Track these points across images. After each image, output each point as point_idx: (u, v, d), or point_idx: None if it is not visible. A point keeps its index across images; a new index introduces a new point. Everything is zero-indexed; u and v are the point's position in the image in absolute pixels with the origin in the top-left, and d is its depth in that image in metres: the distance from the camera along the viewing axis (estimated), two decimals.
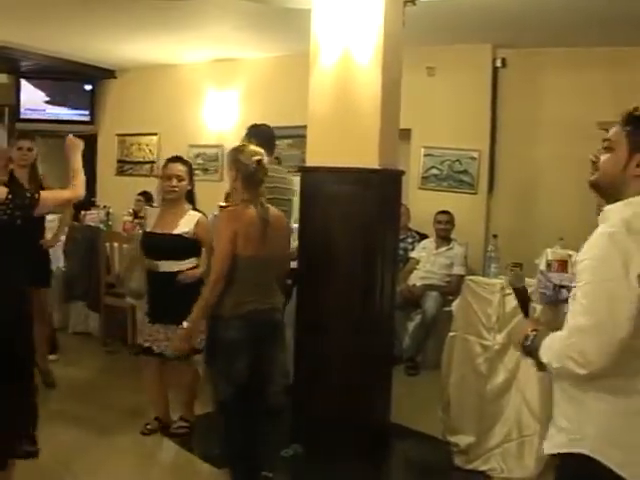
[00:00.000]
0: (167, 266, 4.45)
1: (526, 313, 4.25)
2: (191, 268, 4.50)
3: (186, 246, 4.47)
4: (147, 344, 4.51)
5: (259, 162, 3.69)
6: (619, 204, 2.08)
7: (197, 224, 4.49)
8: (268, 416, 3.92)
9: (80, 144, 3.60)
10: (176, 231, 4.46)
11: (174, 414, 4.84)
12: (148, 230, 4.56)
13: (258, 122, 5.22)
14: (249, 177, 3.68)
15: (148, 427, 4.73)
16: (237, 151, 3.80)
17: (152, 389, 4.81)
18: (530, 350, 2.18)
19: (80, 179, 3.48)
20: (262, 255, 3.66)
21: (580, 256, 2.09)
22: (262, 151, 3.81)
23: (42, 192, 3.35)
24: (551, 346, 2.07)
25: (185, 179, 4.52)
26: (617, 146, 2.11)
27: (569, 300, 2.13)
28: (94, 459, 4.37)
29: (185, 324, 3.77)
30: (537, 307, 4.23)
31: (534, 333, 2.18)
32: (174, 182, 4.46)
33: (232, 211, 3.79)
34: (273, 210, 3.82)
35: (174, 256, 4.45)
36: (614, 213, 2.06)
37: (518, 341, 2.27)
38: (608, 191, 2.15)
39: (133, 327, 6.11)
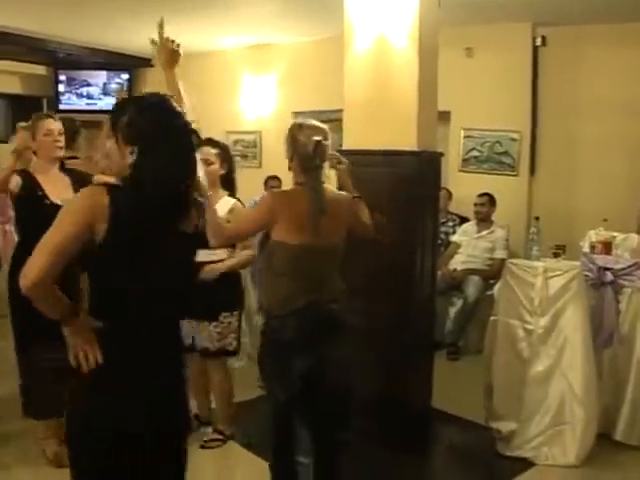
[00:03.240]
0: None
1: None
2: (221, 260, 4.16)
3: None
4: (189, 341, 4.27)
5: (318, 143, 3.23)
6: None
7: (230, 211, 4.17)
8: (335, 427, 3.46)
9: None
10: None
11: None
12: None
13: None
14: (306, 159, 3.25)
15: None
16: (296, 128, 3.35)
17: (192, 386, 4.46)
18: None
19: None
20: (315, 244, 3.22)
21: None
22: (326, 129, 3.36)
23: None
24: None
25: (214, 162, 4.28)
26: None
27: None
28: None
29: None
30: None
31: None
32: (205, 167, 4.31)
33: (279, 193, 3.54)
34: (333, 195, 3.38)
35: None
36: None
37: None
38: None
39: None
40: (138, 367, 2.27)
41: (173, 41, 3.25)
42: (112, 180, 2.33)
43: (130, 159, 2.20)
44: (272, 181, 7.29)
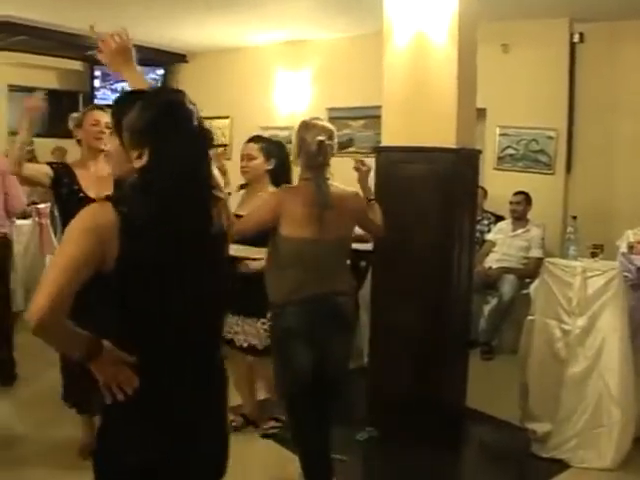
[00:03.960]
0: (235, 250, 3.70)
1: None
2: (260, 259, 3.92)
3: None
4: (229, 336, 4.27)
5: (320, 143, 3.38)
6: None
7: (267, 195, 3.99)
8: (330, 402, 3.58)
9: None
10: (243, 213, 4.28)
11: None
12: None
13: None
14: (311, 157, 3.41)
15: (234, 424, 4.44)
16: (303, 127, 3.50)
17: (239, 384, 4.56)
18: None
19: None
20: (320, 238, 3.33)
21: None
22: (331, 129, 3.53)
23: None
24: None
25: (257, 157, 4.27)
26: None
27: None
28: None
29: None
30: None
31: None
32: (244, 162, 4.31)
33: (283, 189, 3.62)
34: (337, 191, 3.45)
35: (244, 240, 3.93)
36: None
37: None
38: None
39: None
40: (179, 397, 2.03)
41: (115, 35, 2.57)
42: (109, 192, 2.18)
43: (139, 163, 1.96)
44: None
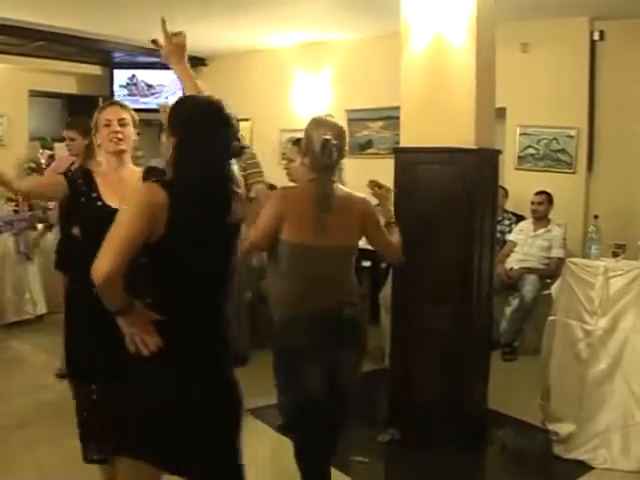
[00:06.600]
0: None
1: None
2: None
3: None
4: None
5: (325, 142, 3.11)
6: None
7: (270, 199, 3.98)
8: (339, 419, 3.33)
9: None
10: None
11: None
12: None
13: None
14: (317, 157, 3.14)
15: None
16: (312, 126, 3.24)
17: None
18: None
19: None
20: (320, 245, 3.08)
21: None
22: (340, 128, 3.26)
23: None
24: None
25: (295, 159, 4.13)
26: None
27: None
28: None
29: None
30: None
31: None
32: (286, 165, 4.33)
33: (285, 192, 3.38)
34: (344, 194, 3.21)
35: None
36: None
37: None
38: None
39: None
40: (200, 353, 2.40)
41: (176, 34, 3.05)
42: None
43: (171, 150, 2.36)
44: None
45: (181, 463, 2.40)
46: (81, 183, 3.30)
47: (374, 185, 3.47)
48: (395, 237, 3.42)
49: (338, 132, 3.20)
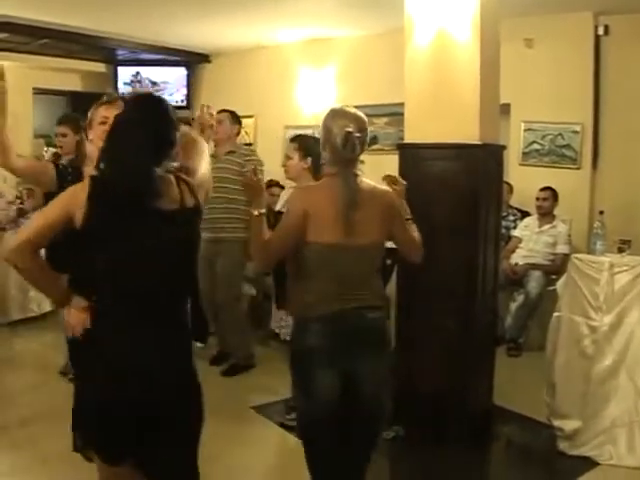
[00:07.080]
0: None
1: None
2: None
3: None
4: (276, 330, 4.36)
5: (348, 135, 2.92)
6: None
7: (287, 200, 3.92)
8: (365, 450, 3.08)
9: None
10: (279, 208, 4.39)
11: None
12: (276, 209, 4.54)
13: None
14: (337, 150, 2.94)
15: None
16: (330, 117, 3.04)
17: None
18: None
19: None
20: (348, 243, 2.88)
21: None
22: (363, 119, 3.04)
23: None
24: None
25: (293, 157, 4.30)
26: None
27: None
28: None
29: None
30: None
31: None
32: (284, 162, 4.38)
33: (305, 190, 3.21)
34: (368, 187, 3.01)
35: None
36: None
37: None
38: None
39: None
40: (127, 340, 2.49)
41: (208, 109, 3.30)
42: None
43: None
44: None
45: (128, 453, 2.51)
46: (70, 180, 3.37)
47: (391, 181, 3.21)
48: (416, 234, 3.20)
49: (361, 124, 3.01)
